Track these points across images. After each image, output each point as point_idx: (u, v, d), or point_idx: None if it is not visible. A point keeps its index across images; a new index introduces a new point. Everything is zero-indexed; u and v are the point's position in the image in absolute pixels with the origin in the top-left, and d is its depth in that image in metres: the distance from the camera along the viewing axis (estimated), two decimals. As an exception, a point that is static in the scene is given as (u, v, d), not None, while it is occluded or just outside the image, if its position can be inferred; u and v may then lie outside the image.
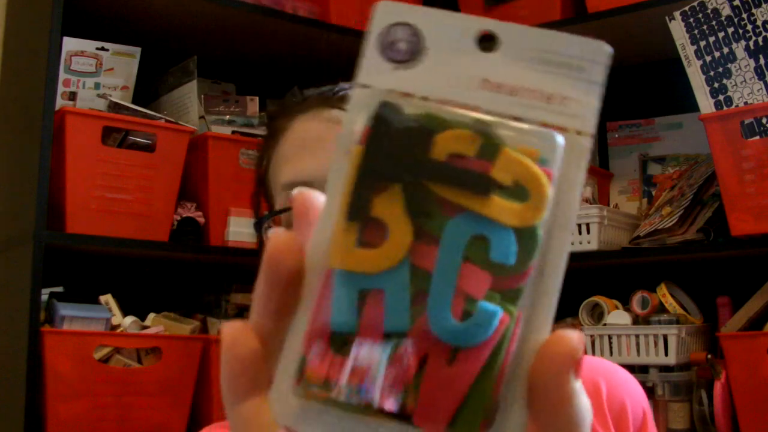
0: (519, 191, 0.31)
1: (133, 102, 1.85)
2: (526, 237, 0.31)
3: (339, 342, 0.31)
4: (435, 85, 0.33)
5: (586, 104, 0.32)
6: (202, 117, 1.97)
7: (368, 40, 0.33)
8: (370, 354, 0.31)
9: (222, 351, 0.32)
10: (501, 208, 0.31)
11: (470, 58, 0.33)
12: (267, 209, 0.82)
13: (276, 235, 0.32)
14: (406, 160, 0.31)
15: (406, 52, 0.33)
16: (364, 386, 0.31)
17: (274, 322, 0.32)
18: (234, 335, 0.32)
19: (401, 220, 0.31)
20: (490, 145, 0.31)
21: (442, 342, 0.30)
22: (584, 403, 0.31)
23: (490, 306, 0.30)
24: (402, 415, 0.31)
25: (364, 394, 0.31)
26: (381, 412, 0.31)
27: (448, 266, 0.30)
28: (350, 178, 0.31)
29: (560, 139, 0.32)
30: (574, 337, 0.30)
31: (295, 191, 0.34)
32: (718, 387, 1.65)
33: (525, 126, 0.32)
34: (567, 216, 0.32)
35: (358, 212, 0.31)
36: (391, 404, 0.31)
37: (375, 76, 0.33)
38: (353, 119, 0.33)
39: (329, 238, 0.32)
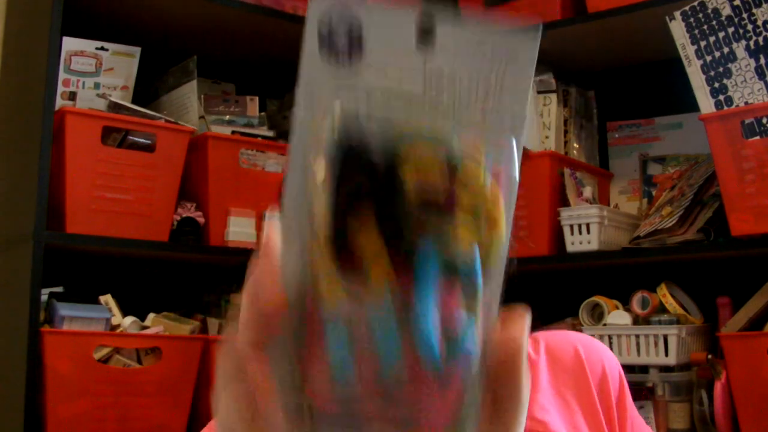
0: (479, 214, 0.33)
1: (133, 102, 1.85)
2: (488, 253, 0.33)
3: (340, 388, 0.33)
4: (379, 79, 0.33)
5: (521, 91, 0.34)
6: (202, 117, 1.97)
7: (308, 38, 0.33)
8: (370, 394, 0.33)
9: (250, 292, 0.34)
10: (465, 234, 0.33)
11: (410, 51, 0.33)
12: None
13: (257, 269, 0.33)
14: (376, 185, 0.32)
15: (348, 51, 0.33)
16: (365, 420, 0.33)
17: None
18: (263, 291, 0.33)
19: (377, 248, 0.32)
20: (451, 168, 0.33)
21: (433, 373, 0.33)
22: (527, 372, 0.36)
23: (471, 344, 0.33)
24: None
25: (367, 427, 0.33)
26: None
27: (425, 296, 0.32)
28: (321, 203, 0.32)
29: (513, 142, 0.34)
30: (524, 320, 0.35)
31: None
32: (718, 387, 1.65)
33: (481, 131, 0.34)
34: (509, 200, 0.34)
35: (335, 239, 0.32)
36: None
37: (318, 73, 0.33)
38: (303, 120, 0.33)
39: (298, 258, 0.33)
